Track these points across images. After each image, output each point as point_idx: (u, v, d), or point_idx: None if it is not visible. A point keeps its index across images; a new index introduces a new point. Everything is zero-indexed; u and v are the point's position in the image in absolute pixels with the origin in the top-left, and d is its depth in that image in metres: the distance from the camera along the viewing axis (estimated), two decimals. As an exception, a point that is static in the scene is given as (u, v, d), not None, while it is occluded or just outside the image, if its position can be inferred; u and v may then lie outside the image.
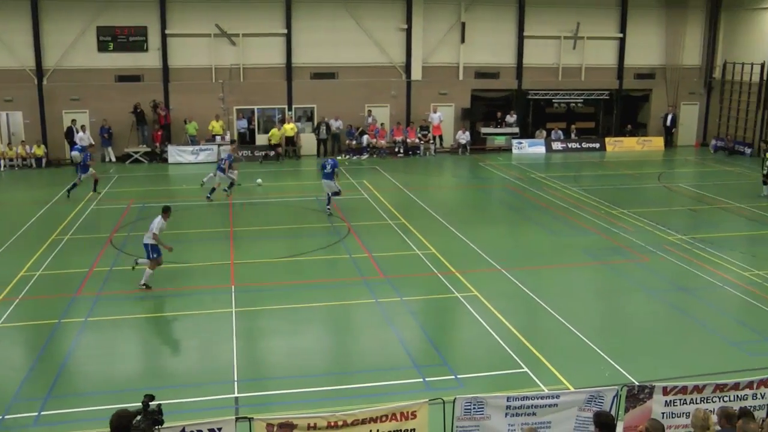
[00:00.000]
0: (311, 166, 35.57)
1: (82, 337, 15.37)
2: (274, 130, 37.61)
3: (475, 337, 15.57)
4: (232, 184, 28.74)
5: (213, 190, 28.15)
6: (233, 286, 18.19)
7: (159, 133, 36.43)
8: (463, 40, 39.95)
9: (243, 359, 14.16)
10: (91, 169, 28.72)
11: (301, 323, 16.14)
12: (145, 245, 18.24)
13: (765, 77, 40.17)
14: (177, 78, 37.21)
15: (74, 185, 28.46)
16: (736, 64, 42.29)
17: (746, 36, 41.85)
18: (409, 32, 38.95)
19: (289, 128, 37.33)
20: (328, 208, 26.02)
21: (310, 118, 39.23)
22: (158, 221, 18.28)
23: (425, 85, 39.77)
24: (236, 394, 12.73)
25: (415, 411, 9.85)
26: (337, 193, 26.01)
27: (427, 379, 13.30)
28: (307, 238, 22.76)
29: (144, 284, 18.13)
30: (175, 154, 36.17)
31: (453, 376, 13.47)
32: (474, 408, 10.22)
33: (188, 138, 36.78)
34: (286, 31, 37.58)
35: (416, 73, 39.54)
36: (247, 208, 27.07)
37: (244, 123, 38.44)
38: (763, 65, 40.24)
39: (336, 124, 38.23)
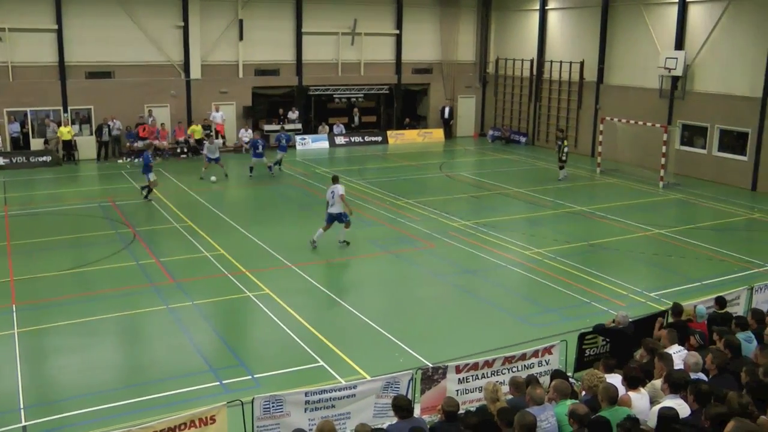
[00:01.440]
0: (91, 170, 34.15)
1: None
2: (195, 127, 37.72)
3: (270, 335, 15.60)
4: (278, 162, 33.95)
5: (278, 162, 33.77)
6: (14, 305, 17.01)
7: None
8: (241, 38, 39.67)
9: (29, 383, 13.24)
10: (152, 174, 27.69)
11: (91, 337, 15.42)
12: (340, 215, 21.32)
13: (534, 72, 42.93)
14: (-62, 77, 34.39)
15: (148, 189, 27.82)
16: (507, 60, 44.99)
17: (516, 35, 44.62)
18: (186, 30, 38.13)
19: (66, 131, 35.46)
20: (270, 166, 32.97)
21: (88, 120, 37.49)
22: (341, 187, 21.38)
23: (205, 83, 39.13)
24: (24, 423, 11.86)
25: (214, 415, 9.76)
26: (270, 167, 32.97)
27: (224, 381, 13.19)
28: (91, 247, 21.78)
29: (345, 241, 21.91)
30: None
31: (250, 377, 13.43)
32: (273, 406, 10.27)
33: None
34: (56, 27, 35.57)
35: (195, 72, 38.81)
36: (25, 219, 25.57)
37: (16, 126, 35.84)
38: (532, 61, 43.06)
39: (115, 125, 36.74)
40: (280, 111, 41.50)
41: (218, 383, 13.15)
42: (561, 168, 32.72)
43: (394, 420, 9.32)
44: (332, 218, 21.45)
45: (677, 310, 13.35)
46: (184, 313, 16.66)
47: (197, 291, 18.02)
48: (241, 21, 39.42)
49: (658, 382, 9.60)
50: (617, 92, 37.97)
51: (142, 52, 37.61)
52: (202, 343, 15.11)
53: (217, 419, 9.76)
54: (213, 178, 30.53)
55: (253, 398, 10.16)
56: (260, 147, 32.60)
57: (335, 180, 21.93)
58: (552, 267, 20.31)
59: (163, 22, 37.87)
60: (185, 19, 38.00)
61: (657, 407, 8.54)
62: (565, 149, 32.77)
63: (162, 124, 37.64)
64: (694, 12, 34.09)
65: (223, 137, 39.15)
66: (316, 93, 42.63)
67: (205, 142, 33.62)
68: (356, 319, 16.33)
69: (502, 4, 45.71)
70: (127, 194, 28.58)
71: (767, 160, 31.15)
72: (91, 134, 36.78)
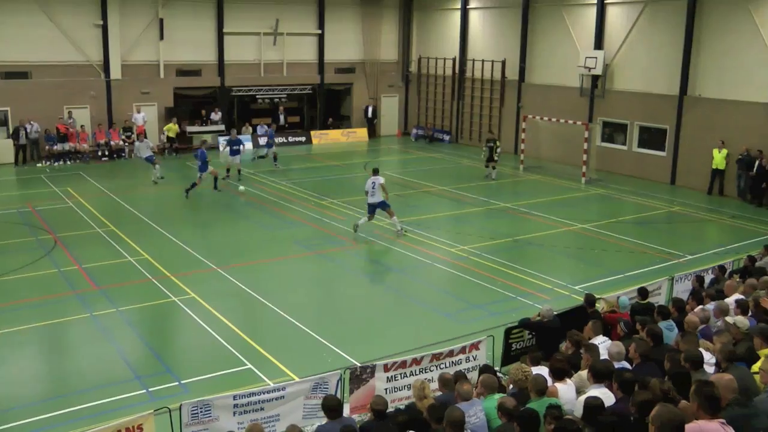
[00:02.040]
0: (9, 175, 33.20)
1: None
2: (171, 125, 38.45)
3: (197, 339, 15.39)
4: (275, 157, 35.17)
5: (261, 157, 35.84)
6: (-73, 315, 16.50)
7: None
8: (162, 37, 39.01)
9: (-55, 397, 12.72)
10: (210, 167, 28.75)
11: (11, 349, 14.87)
12: (382, 203, 22.84)
13: (457, 71, 43.31)
14: None
15: (193, 185, 28.53)
16: (430, 59, 45.27)
17: (438, 33, 44.97)
18: (105, 29, 37.21)
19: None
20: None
21: (4, 123, 36.32)
22: (382, 178, 23.02)
23: (126, 84, 38.33)
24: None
25: (141, 424, 9.58)
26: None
27: (150, 389, 12.93)
28: (9, 255, 21.05)
29: (402, 229, 23.25)
30: None
31: (177, 383, 13.21)
32: (201, 411, 10.14)
33: None
34: (-31, 25, 34.47)
35: (115, 72, 37.97)
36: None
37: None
38: (454, 60, 43.42)
39: (34, 128, 35.65)
40: (203, 112, 40.99)
41: (145, 391, 12.89)
42: (493, 168, 32.93)
43: (324, 421, 9.29)
44: (374, 208, 22.97)
45: (590, 300, 13.68)
46: (109, 320, 16.31)
47: (122, 297, 17.66)
48: (161, 20, 38.77)
49: (584, 373, 9.77)
50: (539, 91, 38.56)
51: (60, 52, 36.60)
52: (128, 350, 14.82)
53: (144, 428, 9.59)
54: (241, 188, 29.75)
55: (181, 404, 10.01)
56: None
57: (376, 172, 23.47)
58: (478, 263, 20.52)
59: (82, 21, 36.93)
60: (104, 17, 37.12)
61: (583, 397, 8.69)
62: (498, 150, 33.14)
63: (82, 126, 36.75)
64: (613, 13, 34.86)
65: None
66: (239, 94, 42.26)
67: (136, 141, 32.93)
68: (283, 321, 16.23)
69: (423, 3, 46.02)
70: (48, 199, 27.85)
71: (685, 156, 32.02)
72: (8, 137, 35.70)
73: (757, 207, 28.46)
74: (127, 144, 37.45)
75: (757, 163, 28.68)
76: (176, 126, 38.47)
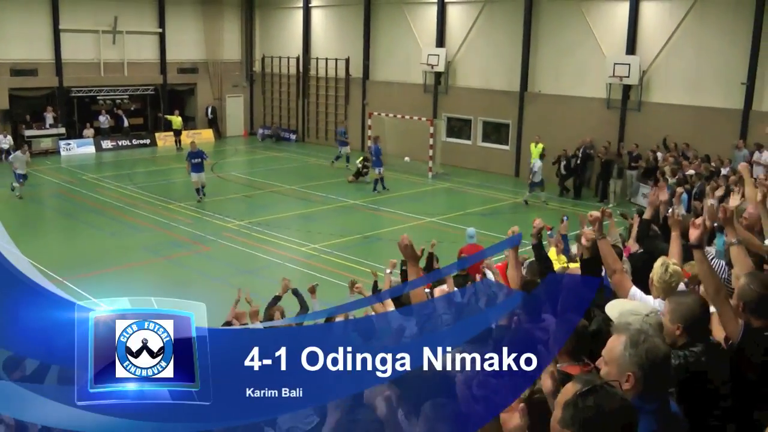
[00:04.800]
0: None
1: None
2: (174, 117, 40.50)
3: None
4: (341, 158, 35.28)
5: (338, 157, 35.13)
6: None
7: None
8: (-7, 34, 36.96)
9: None
10: (203, 173, 27.84)
11: None
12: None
13: (301, 69, 43.26)
14: None
15: (381, 180, 29.82)
16: (274, 57, 45.00)
17: (280, 32, 44.76)
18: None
19: None
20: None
21: None
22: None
23: (-46, 86, 36.15)
24: None
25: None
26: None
27: None
28: None
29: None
30: None
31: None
32: None
33: None
34: None
35: (-59, 73, 35.77)
36: None
37: None
38: (298, 59, 43.32)
39: None
40: (27, 117, 38.68)
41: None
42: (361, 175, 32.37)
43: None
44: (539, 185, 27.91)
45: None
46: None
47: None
48: (-10, 15, 36.68)
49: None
50: (383, 88, 39.01)
51: None
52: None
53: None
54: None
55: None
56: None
57: (542, 157, 28.71)
58: (329, 261, 20.57)
59: None
60: None
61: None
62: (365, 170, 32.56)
63: None
64: (453, 12, 35.71)
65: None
66: (79, 95, 40.63)
67: (17, 152, 30.62)
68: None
69: (265, 1, 45.71)
70: None
71: (527, 149, 33.10)
72: None
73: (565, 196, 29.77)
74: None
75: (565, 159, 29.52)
76: (179, 118, 40.94)
